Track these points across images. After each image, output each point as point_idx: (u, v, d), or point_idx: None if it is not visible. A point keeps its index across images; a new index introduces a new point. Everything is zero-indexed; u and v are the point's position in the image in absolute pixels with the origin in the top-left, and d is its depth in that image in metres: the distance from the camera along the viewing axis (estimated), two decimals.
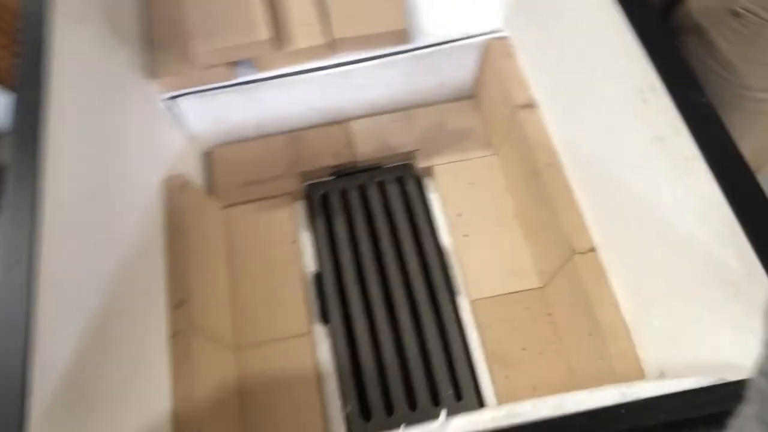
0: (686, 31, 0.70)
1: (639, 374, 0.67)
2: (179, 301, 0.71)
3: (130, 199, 0.70)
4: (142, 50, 0.81)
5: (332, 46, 0.81)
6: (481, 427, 0.45)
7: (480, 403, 0.78)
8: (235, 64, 0.82)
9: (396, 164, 0.95)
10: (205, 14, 0.79)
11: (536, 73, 0.81)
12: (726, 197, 0.48)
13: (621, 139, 0.63)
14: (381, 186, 0.93)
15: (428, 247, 0.88)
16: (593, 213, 0.73)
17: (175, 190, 0.79)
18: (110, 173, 0.66)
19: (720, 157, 0.49)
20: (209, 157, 0.94)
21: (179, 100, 0.84)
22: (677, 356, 0.61)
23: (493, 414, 0.46)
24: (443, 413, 0.49)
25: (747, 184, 0.48)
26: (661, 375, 0.64)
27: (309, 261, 0.89)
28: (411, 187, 0.93)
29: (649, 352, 0.66)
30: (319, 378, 0.79)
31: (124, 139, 0.72)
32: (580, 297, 0.73)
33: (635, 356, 0.68)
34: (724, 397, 0.44)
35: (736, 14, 0.63)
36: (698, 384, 0.46)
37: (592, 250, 0.73)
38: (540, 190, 0.79)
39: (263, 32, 0.77)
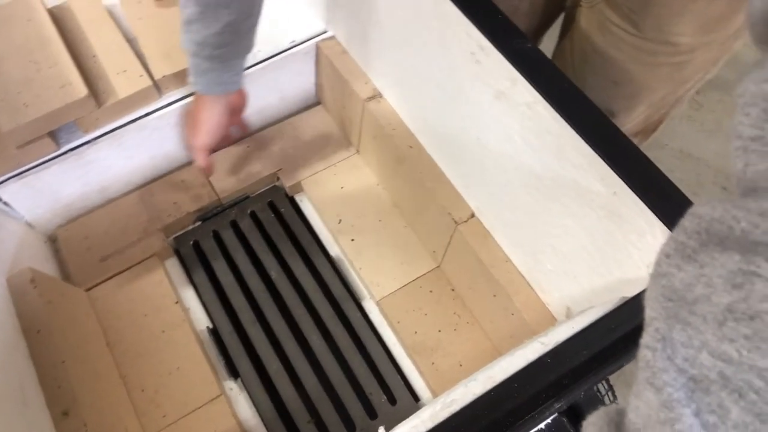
0: None
1: (548, 317, 0.70)
2: (63, 411, 0.62)
3: None
4: None
5: (157, 87, 0.76)
6: (423, 429, 0.44)
7: (415, 399, 0.77)
8: (55, 132, 0.74)
9: (263, 190, 0.91)
10: (3, 86, 0.70)
11: (373, 64, 0.82)
12: (576, 129, 0.50)
13: (466, 105, 0.64)
14: (253, 216, 0.89)
15: (319, 262, 0.86)
16: (462, 182, 0.75)
17: (23, 287, 0.69)
18: None
19: (559, 94, 0.51)
20: (54, 242, 0.84)
21: (0, 189, 0.74)
22: (576, 290, 0.63)
23: (430, 411, 0.45)
24: (381, 429, 0.47)
25: (590, 112, 0.51)
26: (568, 311, 0.67)
27: (199, 318, 0.82)
28: (285, 209, 0.90)
29: (551, 295, 0.69)
30: None
31: None
32: (474, 264, 0.74)
33: (540, 302, 0.71)
34: (631, 314, 0.46)
35: None
36: (605, 310, 0.48)
37: (472, 216, 0.75)
38: (409, 174, 0.79)
39: (80, 89, 0.70)
